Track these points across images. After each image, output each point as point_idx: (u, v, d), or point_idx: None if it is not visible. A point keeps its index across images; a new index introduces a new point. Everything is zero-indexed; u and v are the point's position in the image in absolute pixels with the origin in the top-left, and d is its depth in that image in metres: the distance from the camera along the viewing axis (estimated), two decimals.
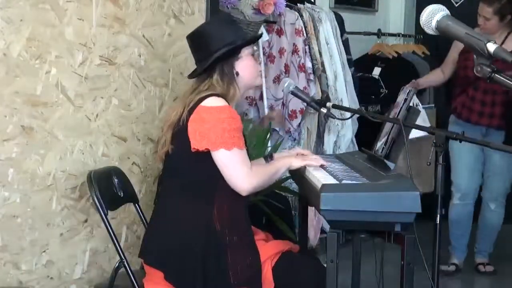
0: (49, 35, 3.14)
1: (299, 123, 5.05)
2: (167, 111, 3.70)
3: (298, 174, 3.03)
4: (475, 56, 2.15)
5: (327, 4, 6.02)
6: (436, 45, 6.19)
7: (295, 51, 5.04)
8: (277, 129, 5.05)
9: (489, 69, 2.12)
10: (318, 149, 5.22)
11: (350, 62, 5.52)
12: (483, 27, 4.64)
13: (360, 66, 6.01)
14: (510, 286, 4.80)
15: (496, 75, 2.12)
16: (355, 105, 5.40)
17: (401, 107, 2.98)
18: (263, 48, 5.02)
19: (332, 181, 2.68)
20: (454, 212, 4.90)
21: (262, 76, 3.03)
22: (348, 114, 4.63)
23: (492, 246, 5.01)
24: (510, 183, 4.97)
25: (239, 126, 2.84)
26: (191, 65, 3.83)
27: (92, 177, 3.07)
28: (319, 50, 5.14)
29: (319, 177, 2.72)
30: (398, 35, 6.52)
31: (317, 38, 5.16)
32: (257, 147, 4.23)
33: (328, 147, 5.25)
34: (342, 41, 5.46)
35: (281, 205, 4.20)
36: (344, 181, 2.65)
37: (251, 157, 3.00)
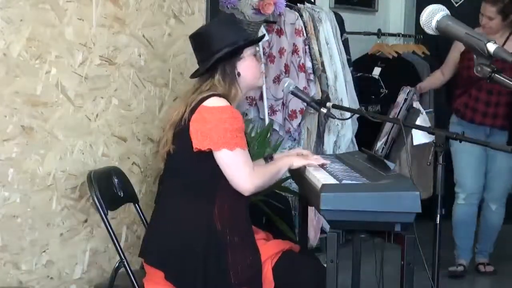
0: (49, 35, 3.14)
1: (299, 123, 5.05)
2: (168, 111, 3.70)
3: (298, 174, 3.03)
4: (475, 56, 2.15)
5: (327, 4, 6.02)
6: (436, 45, 6.19)
7: (295, 51, 5.05)
8: (277, 129, 5.05)
9: (489, 69, 2.12)
10: (318, 149, 5.22)
11: (349, 63, 5.52)
12: (486, 26, 4.64)
13: (360, 66, 6.01)
14: (510, 286, 4.80)
15: (496, 75, 2.12)
16: (355, 105, 5.40)
17: (401, 107, 2.98)
18: (263, 48, 5.02)
19: (332, 181, 2.68)
20: (459, 212, 4.88)
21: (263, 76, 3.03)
22: (348, 114, 4.63)
23: (492, 246, 5.01)
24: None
25: (241, 126, 2.84)
26: (191, 65, 3.84)
27: (92, 177, 3.07)
28: (319, 50, 5.14)
29: (319, 177, 2.72)
30: (398, 35, 6.52)
31: (317, 38, 5.16)
32: (257, 147, 4.24)
33: (328, 147, 5.25)
34: (342, 41, 5.46)
35: (281, 205, 4.20)
36: (344, 181, 2.65)
37: (251, 157, 3.00)
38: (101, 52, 3.38)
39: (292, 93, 3.24)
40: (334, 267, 2.57)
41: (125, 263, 3.00)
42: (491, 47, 2.09)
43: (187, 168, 2.85)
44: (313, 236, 5.02)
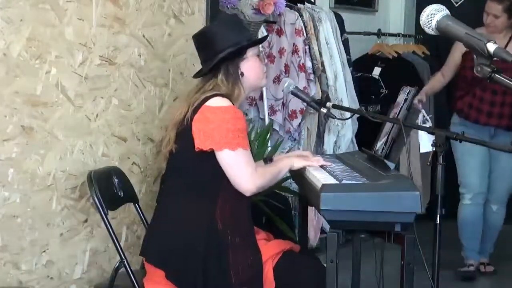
0: (49, 35, 3.14)
1: (299, 123, 5.06)
2: (168, 111, 3.70)
3: (298, 174, 3.03)
4: (475, 56, 2.15)
5: (327, 4, 6.02)
6: (436, 45, 6.20)
7: (295, 51, 5.05)
8: (277, 129, 5.05)
9: (489, 69, 2.12)
10: (318, 149, 5.23)
11: (349, 63, 5.52)
12: (491, 25, 4.62)
13: (360, 66, 6.01)
14: (510, 286, 4.80)
15: (496, 75, 2.12)
16: (355, 105, 5.40)
17: (401, 107, 2.98)
18: (263, 48, 5.03)
19: (332, 181, 2.68)
20: (465, 213, 4.85)
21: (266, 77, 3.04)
22: (348, 114, 4.63)
23: (492, 246, 5.01)
24: None
25: (244, 126, 2.84)
26: (191, 65, 3.85)
27: (92, 177, 3.07)
28: (319, 50, 5.15)
29: (319, 177, 2.73)
30: (398, 35, 6.52)
31: (317, 38, 5.16)
32: (257, 147, 4.24)
33: (328, 147, 5.25)
34: (342, 41, 5.46)
35: (281, 205, 4.20)
36: (344, 181, 2.65)
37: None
38: (101, 52, 3.38)
39: (292, 93, 3.24)
40: (334, 267, 2.57)
41: (125, 263, 3.00)
42: (491, 47, 2.09)
43: (189, 167, 2.85)
44: (313, 236, 5.02)
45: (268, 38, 5.05)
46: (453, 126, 4.82)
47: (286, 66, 5.05)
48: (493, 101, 4.68)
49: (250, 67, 2.95)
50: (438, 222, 2.60)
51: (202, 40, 2.98)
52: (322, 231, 5.07)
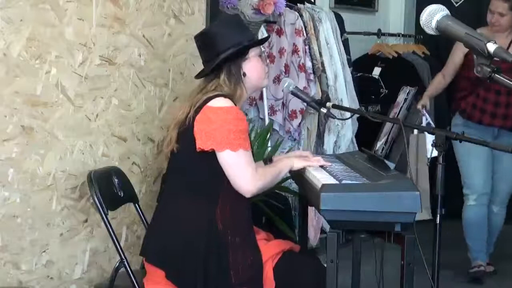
0: (49, 35, 3.14)
1: (299, 123, 5.06)
2: (170, 110, 3.70)
3: (298, 174, 3.03)
4: (475, 56, 2.15)
5: (327, 4, 6.02)
6: (436, 45, 6.20)
7: (295, 51, 5.05)
8: (277, 129, 5.05)
9: (489, 69, 2.12)
10: (318, 149, 5.23)
11: (349, 63, 5.52)
12: (495, 24, 4.60)
13: (360, 66, 6.01)
14: (510, 286, 4.80)
15: (496, 75, 2.12)
16: (355, 105, 5.40)
17: (401, 107, 2.98)
18: (264, 48, 5.03)
19: (332, 181, 2.68)
20: (470, 214, 4.82)
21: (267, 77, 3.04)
22: (348, 114, 4.63)
23: (493, 246, 5.01)
24: None
25: (245, 127, 2.84)
26: (191, 65, 3.85)
27: (92, 177, 3.07)
28: (319, 50, 5.15)
29: (319, 177, 2.73)
30: (398, 35, 6.52)
31: (317, 38, 5.16)
32: (257, 147, 4.24)
33: (328, 147, 5.25)
34: (342, 41, 5.46)
35: (281, 205, 4.20)
36: (344, 181, 2.65)
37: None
38: (101, 52, 3.38)
39: (292, 93, 3.24)
40: (334, 267, 2.57)
41: (125, 263, 3.00)
42: (491, 47, 2.10)
43: (190, 167, 2.85)
44: (313, 236, 5.02)
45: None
46: (455, 128, 4.73)
47: (286, 66, 5.05)
48: (498, 101, 4.65)
49: (252, 67, 2.95)
50: (438, 222, 2.60)
51: (204, 41, 2.97)
52: (322, 231, 5.07)
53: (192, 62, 3.85)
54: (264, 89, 4.93)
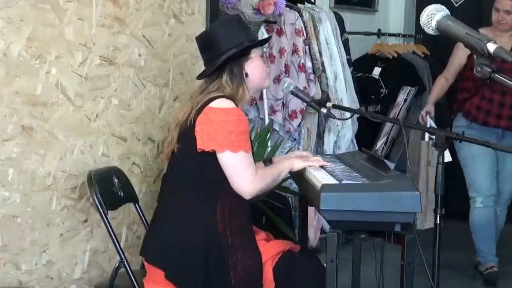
0: (49, 35, 3.14)
1: (299, 123, 5.06)
2: (170, 111, 3.70)
3: (298, 175, 3.03)
4: (475, 56, 2.15)
5: (327, 4, 6.02)
6: (436, 45, 6.20)
7: (295, 51, 5.05)
8: (277, 129, 5.05)
9: (489, 69, 2.12)
10: (318, 149, 5.23)
11: (349, 63, 5.53)
12: (501, 22, 4.59)
13: (360, 66, 6.01)
14: (510, 286, 4.80)
15: (496, 75, 2.12)
16: (355, 105, 5.40)
17: (401, 107, 2.98)
18: (265, 48, 5.03)
19: (332, 181, 2.68)
20: (477, 216, 4.80)
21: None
22: (348, 114, 4.63)
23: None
24: None
25: (247, 129, 2.84)
26: (191, 65, 3.85)
27: (92, 177, 3.07)
28: (319, 50, 5.15)
29: (319, 177, 2.73)
30: (398, 35, 6.53)
31: (317, 38, 5.16)
32: (257, 147, 4.24)
33: (328, 147, 5.26)
34: (342, 41, 5.46)
35: (281, 205, 4.20)
36: (344, 181, 2.65)
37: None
38: (101, 52, 3.38)
39: (292, 93, 3.24)
40: (334, 267, 2.57)
41: (125, 263, 3.00)
42: (491, 47, 2.10)
43: (190, 168, 2.85)
44: (313, 236, 5.02)
45: None
46: (458, 129, 4.65)
47: (286, 66, 5.05)
48: (503, 102, 4.63)
49: (255, 68, 2.95)
50: (438, 222, 2.60)
51: (205, 41, 2.97)
52: (322, 231, 5.07)
53: (192, 62, 3.85)
54: (264, 89, 4.93)
